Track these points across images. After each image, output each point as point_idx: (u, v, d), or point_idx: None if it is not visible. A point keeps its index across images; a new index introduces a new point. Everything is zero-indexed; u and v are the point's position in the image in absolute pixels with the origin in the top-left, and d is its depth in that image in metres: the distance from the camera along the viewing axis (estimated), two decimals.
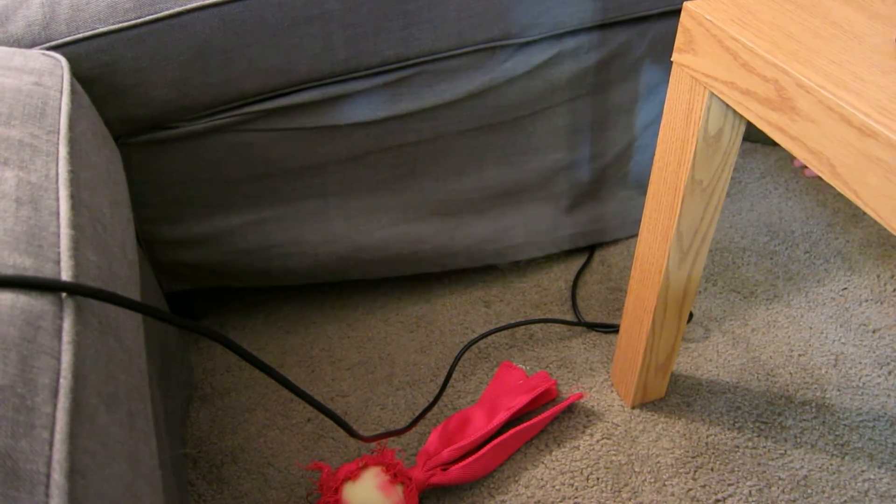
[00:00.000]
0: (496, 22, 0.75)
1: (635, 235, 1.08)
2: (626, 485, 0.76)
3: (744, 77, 0.49)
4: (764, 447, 0.79)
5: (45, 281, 0.35)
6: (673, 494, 0.75)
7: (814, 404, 0.83)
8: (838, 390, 0.85)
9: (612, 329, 0.94)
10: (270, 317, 1.00)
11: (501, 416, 0.78)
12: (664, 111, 0.61)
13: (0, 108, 0.47)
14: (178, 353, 0.83)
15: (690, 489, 0.76)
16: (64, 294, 0.36)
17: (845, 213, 1.10)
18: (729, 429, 0.81)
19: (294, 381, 0.86)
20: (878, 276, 0.99)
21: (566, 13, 0.79)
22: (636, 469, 0.78)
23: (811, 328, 0.93)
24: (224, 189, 0.81)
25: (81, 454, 0.31)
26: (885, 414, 0.82)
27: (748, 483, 0.76)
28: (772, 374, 0.87)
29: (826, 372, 0.87)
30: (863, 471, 0.76)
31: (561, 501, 0.75)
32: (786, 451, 0.79)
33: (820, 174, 0.45)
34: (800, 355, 0.89)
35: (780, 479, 0.76)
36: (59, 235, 0.39)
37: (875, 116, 0.40)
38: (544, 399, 0.84)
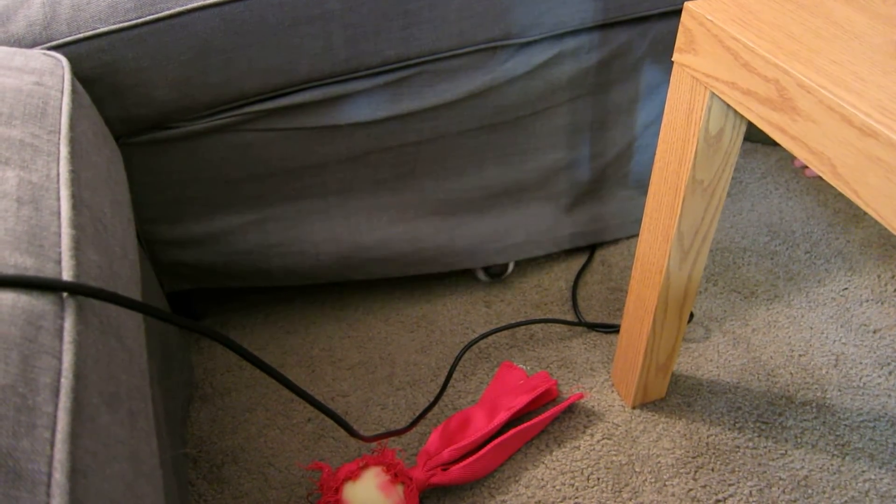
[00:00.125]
0: (497, 22, 0.75)
1: (636, 235, 1.08)
2: (626, 485, 0.76)
3: (745, 77, 0.49)
4: (764, 447, 0.79)
5: (47, 281, 0.35)
6: (673, 495, 0.75)
7: (814, 404, 0.83)
8: (839, 390, 0.85)
9: (613, 329, 0.94)
10: (270, 317, 1.00)
11: (502, 416, 0.78)
12: (665, 111, 0.61)
13: (1, 107, 0.47)
14: (179, 353, 0.83)
15: (691, 489, 0.76)
16: (65, 294, 0.36)
17: (846, 214, 1.10)
18: (729, 429, 0.81)
19: (294, 381, 0.86)
20: (879, 277, 0.99)
21: (567, 13, 0.79)
22: (637, 469, 0.78)
23: (812, 328, 0.93)
24: (224, 189, 0.81)
25: (83, 454, 0.31)
26: (886, 414, 0.82)
27: (749, 483, 0.76)
28: (772, 375, 0.87)
29: (827, 372, 0.87)
30: (863, 471, 0.76)
31: (561, 501, 0.75)
32: (786, 451, 0.79)
33: (821, 174, 0.45)
34: (800, 355, 0.89)
35: (780, 479, 0.76)
36: (60, 235, 0.39)
37: (876, 116, 0.40)
38: (545, 399, 0.84)
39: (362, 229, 0.89)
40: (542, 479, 0.77)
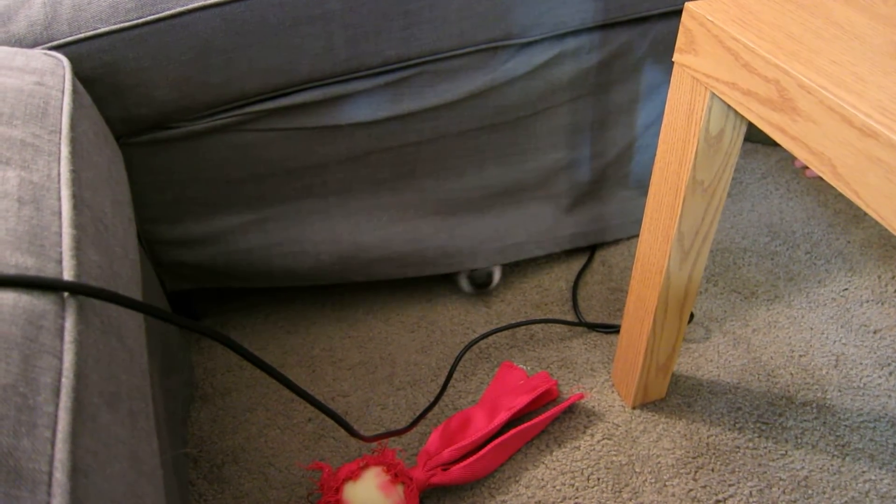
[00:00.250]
0: (497, 22, 0.75)
1: (636, 236, 1.08)
2: (626, 485, 0.76)
3: (745, 77, 0.49)
4: (765, 448, 0.79)
5: (47, 280, 0.35)
6: (673, 495, 0.75)
7: (815, 405, 0.83)
8: (839, 391, 0.85)
9: (613, 329, 0.94)
10: (271, 317, 1.00)
11: (502, 417, 0.78)
12: (665, 111, 0.61)
13: (2, 107, 0.47)
14: (180, 353, 0.83)
15: (691, 490, 0.76)
16: (66, 294, 0.36)
17: (846, 214, 1.10)
18: (730, 429, 0.81)
19: (295, 381, 0.86)
20: (880, 277, 0.99)
21: (567, 13, 0.79)
22: (637, 469, 0.78)
23: (812, 329, 0.93)
24: (225, 189, 0.81)
25: (83, 453, 0.31)
26: (886, 415, 0.82)
27: (749, 484, 0.76)
28: (772, 375, 0.87)
29: (827, 373, 0.87)
30: (864, 472, 0.76)
31: (561, 502, 0.75)
32: (786, 451, 0.79)
33: (821, 175, 0.45)
34: (801, 356, 0.89)
35: (780, 479, 0.76)
36: (60, 235, 0.39)
37: (876, 117, 0.40)
38: (545, 399, 0.84)
39: (363, 229, 0.89)
40: (543, 480, 0.77)
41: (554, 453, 0.80)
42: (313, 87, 0.75)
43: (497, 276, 1.00)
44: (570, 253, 1.07)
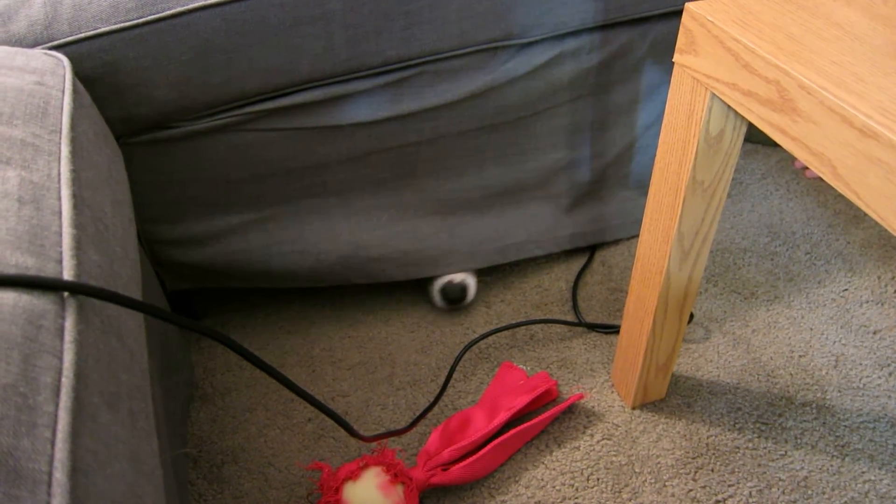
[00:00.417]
0: (498, 22, 0.75)
1: (636, 236, 1.08)
2: (626, 485, 0.76)
3: (745, 78, 0.49)
4: (764, 448, 0.79)
5: (48, 280, 0.35)
6: (673, 495, 0.75)
7: (814, 405, 0.83)
8: (839, 391, 0.85)
9: (613, 330, 0.94)
10: (271, 317, 1.00)
11: (502, 417, 0.78)
12: (665, 112, 0.61)
13: (2, 107, 0.47)
14: (179, 353, 0.83)
15: (691, 490, 0.76)
16: (66, 293, 0.36)
17: (846, 215, 1.10)
18: (729, 430, 0.81)
19: (295, 381, 0.86)
20: (879, 278, 0.99)
21: (568, 14, 0.79)
22: (636, 470, 0.78)
23: (812, 329, 0.93)
24: (225, 188, 0.81)
25: (83, 453, 0.31)
26: (886, 415, 0.82)
27: (748, 484, 0.76)
28: (772, 376, 0.87)
29: (827, 373, 0.87)
30: (863, 472, 0.76)
31: (561, 502, 0.75)
32: (786, 452, 0.79)
33: (821, 175, 0.45)
34: (800, 356, 0.89)
35: (780, 480, 0.76)
36: (61, 235, 0.39)
37: (876, 118, 0.40)
38: (545, 399, 0.84)
39: (362, 229, 0.89)
40: (542, 480, 0.77)
41: (553, 453, 0.80)
42: (313, 87, 0.75)
43: (472, 290, 0.96)
44: (569, 253, 1.07)
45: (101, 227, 0.44)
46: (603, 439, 0.81)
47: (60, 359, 0.33)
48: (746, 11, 0.52)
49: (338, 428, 0.85)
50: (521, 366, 0.90)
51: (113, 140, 0.62)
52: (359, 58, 0.73)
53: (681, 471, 0.78)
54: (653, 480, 0.77)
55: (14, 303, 0.33)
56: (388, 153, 0.83)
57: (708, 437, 0.81)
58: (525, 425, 0.78)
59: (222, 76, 0.70)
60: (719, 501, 0.75)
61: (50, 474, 0.29)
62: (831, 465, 0.77)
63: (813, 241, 1.06)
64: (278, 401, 0.88)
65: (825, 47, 0.47)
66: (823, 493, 0.75)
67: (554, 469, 0.78)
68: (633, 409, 0.84)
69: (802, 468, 0.77)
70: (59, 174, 0.44)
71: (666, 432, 0.81)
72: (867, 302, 0.96)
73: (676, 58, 0.57)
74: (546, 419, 0.80)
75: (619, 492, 0.76)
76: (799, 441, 0.80)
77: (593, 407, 0.85)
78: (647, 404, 0.84)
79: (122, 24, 0.65)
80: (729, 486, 0.76)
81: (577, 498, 0.76)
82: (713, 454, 0.79)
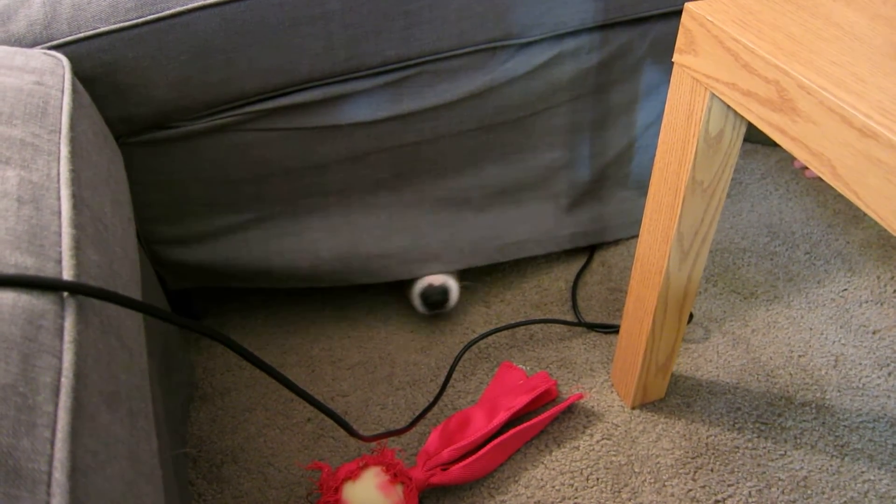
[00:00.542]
0: (497, 22, 0.75)
1: (636, 236, 1.08)
2: (625, 485, 0.77)
3: (745, 78, 0.49)
4: (764, 448, 0.79)
5: (47, 280, 0.35)
6: (673, 495, 0.75)
7: (814, 405, 0.84)
8: (838, 391, 0.85)
9: (613, 329, 0.94)
10: (270, 317, 1.00)
11: (501, 417, 0.78)
12: (665, 112, 0.61)
13: (2, 107, 0.47)
14: (179, 353, 0.83)
15: (690, 490, 0.76)
16: (65, 293, 0.36)
17: (846, 215, 1.10)
18: (729, 429, 0.81)
19: (294, 381, 0.86)
20: (879, 278, 0.99)
21: (567, 14, 0.79)
22: (636, 469, 0.78)
23: (811, 329, 0.93)
24: (225, 188, 0.81)
25: (83, 453, 0.31)
26: (885, 415, 0.82)
27: (748, 484, 0.76)
28: (772, 375, 0.87)
29: (826, 373, 0.87)
30: (862, 472, 0.76)
31: (561, 502, 0.75)
32: (786, 451, 0.79)
33: (821, 175, 0.45)
34: (800, 356, 0.89)
35: (779, 479, 0.76)
36: (60, 235, 0.39)
37: (876, 118, 0.40)
38: (544, 399, 0.84)
39: (362, 228, 0.89)
40: (542, 480, 0.77)
41: (553, 453, 0.80)
42: (313, 87, 0.75)
43: (454, 295, 0.93)
44: (569, 253, 1.07)
45: (101, 227, 0.44)
46: (602, 439, 0.81)
47: (60, 359, 0.33)
48: (746, 11, 0.52)
49: (337, 428, 0.85)
50: (520, 366, 0.90)
51: (112, 140, 0.62)
52: (358, 58, 0.73)
53: (680, 471, 0.78)
54: (652, 480, 0.77)
55: (13, 303, 0.33)
56: (387, 153, 0.83)
57: (707, 437, 0.81)
58: (524, 425, 0.78)
59: (221, 76, 0.70)
60: (719, 501, 0.75)
61: (49, 474, 0.29)
62: (831, 465, 0.77)
63: (812, 240, 1.06)
64: (278, 401, 0.88)
65: (825, 47, 0.47)
66: (823, 493, 0.75)
67: (553, 469, 0.78)
68: (633, 408, 0.84)
69: (802, 468, 0.77)
70: (58, 174, 0.44)
71: (665, 432, 0.81)
72: (866, 302, 0.96)
73: (676, 58, 0.57)
74: (546, 419, 0.80)
75: (619, 492, 0.76)
76: (798, 441, 0.80)
77: (593, 407, 0.85)
78: (647, 404, 0.84)
79: (122, 24, 0.65)
80: (728, 485, 0.76)
81: (576, 498, 0.76)
82: (713, 454, 0.79)
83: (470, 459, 0.74)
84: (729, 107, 0.56)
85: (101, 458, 0.32)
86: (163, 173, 0.77)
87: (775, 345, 0.91)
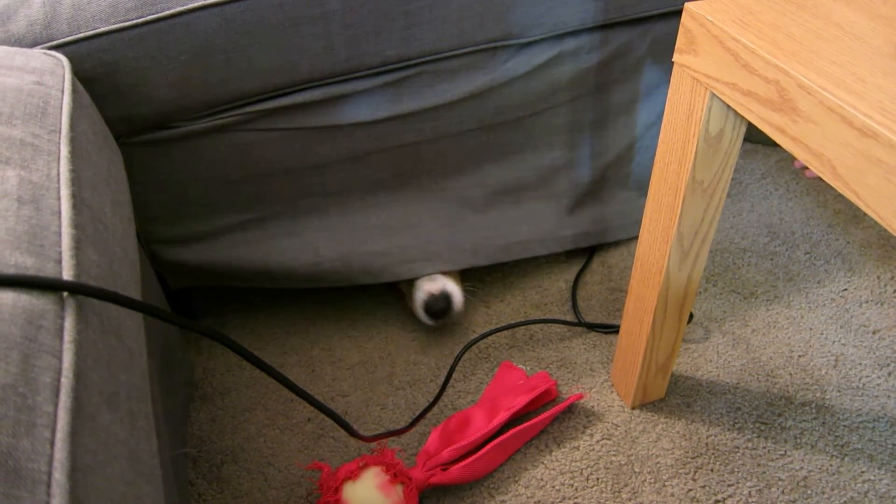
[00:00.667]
0: (497, 22, 0.75)
1: (636, 237, 1.08)
2: (625, 485, 0.76)
3: (745, 78, 0.49)
4: (764, 448, 0.79)
5: (47, 280, 0.35)
6: (673, 495, 0.75)
7: (814, 405, 0.84)
8: (838, 391, 0.85)
9: (613, 329, 0.94)
10: (270, 317, 1.00)
11: (501, 417, 0.78)
12: (665, 112, 0.61)
13: (1, 107, 0.47)
14: (179, 353, 0.83)
15: (690, 490, 0.76)
16: (65, 293, 0.36)
17: (846, 214, 1.10)
18: (729, 429, 0.81)
19: (294, 381, 0.86)
20: (879, 277, 0.99)
21: (567, 14, 0.79)
22: (636, 469, 0.78)
23: (811, 329, 0.93)
24: (225, 188, 0.81)
25: (83, 453, 0.31)
26: (885, 415, 0.82)
27: (748, 484, 0.76)
28: (772, 375, 0.87)
29: (826, 373, 0.87)
30: (862, 472, 0.76)
31: (561, 502, 0.75)
32: (786, 451, 0.79)
33: (821, 175, 0.45)
34: (800, 356, 0.89)
35: (779, 479, 0.76)
36: (60, 235, 0.39)
37: (876, 118, 0.40)
38: (544, 399, 0.84)
39: (362, 228, 0.89)
40: (542, 480, 0.77)
41: (553, 453, 0.80)
42: (313, 87, 0.75)
43: (458, 300, 0.90)
44: (569, 253, 1.07)
45: (101, 226, 0.44)
46: (602, 439, 0.81)
47: (60, 359, 0.33)
48: (746, 11, 0.52)
49: (337, 428, 0.85)
50: (520, 366, 0.90)
51: (112, 140, 0.62)
52: (358, 58, 0.73)
53: (680, 470, 0.78)
54: (652, 480, 0.77)
55: (13, 303, 0.33)
56: (387, 153, 0.83)
57: (707, 437, 0.81)
58: (524, 425, 0.78)
59: (222, 76, 0.70)
60: (719, 501, 0.75)
61: (49, 474, 0.29)
62: (831, 465, 0.77)
63: (812, 240, 1.06)
64: (278, 401, 0.88)
65: (825, 47, 0.47)
66: (823, 493, 0.75)
67: (553, 469, 0.78)
68: (633, 408, 0.84)
69: (802, 468, 0.77)
70: (58, 174, 0.44)
71: (665, 432, 0.81)
72: (866, 302, 0.96)
73: (676, 58, 0.57)
74: (545, 419, 0.80)
75: (619, 492, 0.76)
76: (798, 441, 0.80)
77: (593, 407, 0.85)
78: (647, 404, 0.84)
79: (122, 24, 0.65)
80: (728, 485, 0.76)
81: (576, 498, 0.76)
82: (713, 454, 0.79)
83: (470, 459, 0.74)
84: (729, 107, 0.56)
85: (100, 458, 0.32)
86: (163, 173, 0.77)
87: (775, 345, 0.91)
